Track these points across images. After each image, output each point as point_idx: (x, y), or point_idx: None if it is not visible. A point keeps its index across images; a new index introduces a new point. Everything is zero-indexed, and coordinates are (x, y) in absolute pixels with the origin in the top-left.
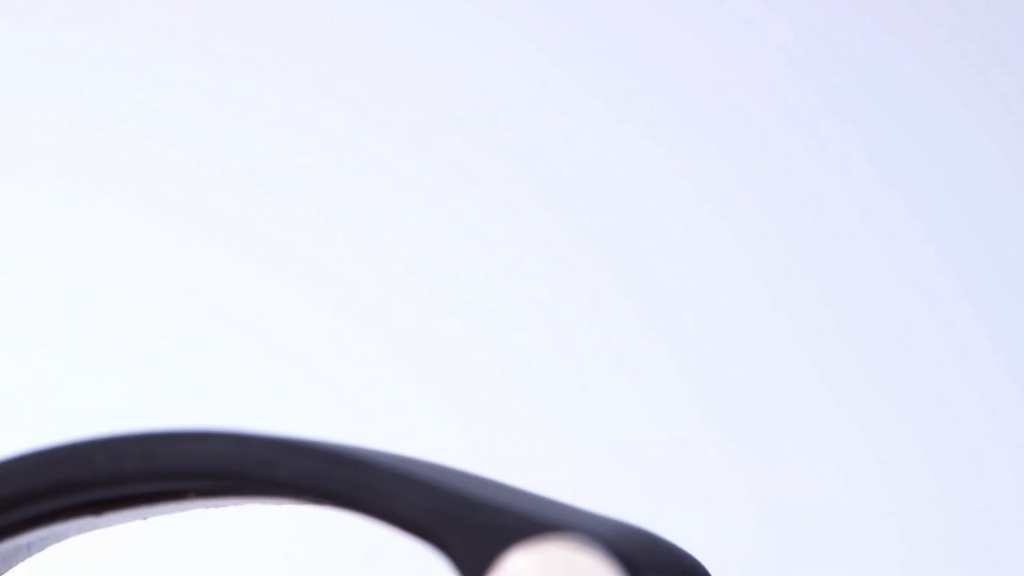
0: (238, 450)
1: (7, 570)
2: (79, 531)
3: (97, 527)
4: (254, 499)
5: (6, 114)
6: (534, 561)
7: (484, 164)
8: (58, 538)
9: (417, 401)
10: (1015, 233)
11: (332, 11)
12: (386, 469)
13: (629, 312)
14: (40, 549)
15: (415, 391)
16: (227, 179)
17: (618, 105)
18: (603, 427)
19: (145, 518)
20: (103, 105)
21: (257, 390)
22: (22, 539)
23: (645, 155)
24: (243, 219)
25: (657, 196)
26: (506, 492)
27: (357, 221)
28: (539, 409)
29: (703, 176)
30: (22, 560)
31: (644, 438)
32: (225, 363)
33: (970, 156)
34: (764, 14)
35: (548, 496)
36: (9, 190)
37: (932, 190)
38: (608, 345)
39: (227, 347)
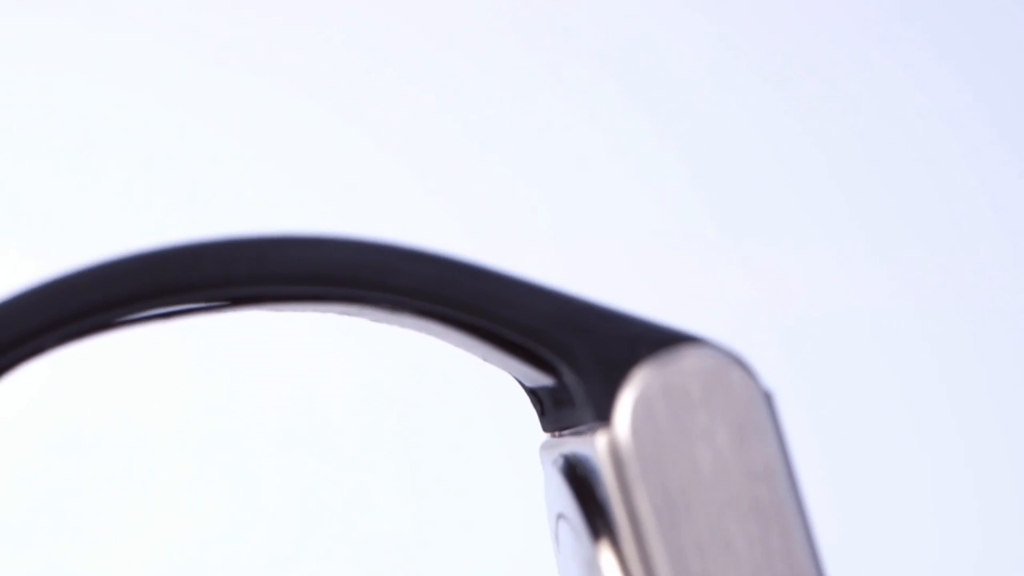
0: (357, 257)
1: None
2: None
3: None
4: (365, 308)
5: None
6: (673, 371)
7: None
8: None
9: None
10: None
11: None
12: (508, 277)
13: (639, 114)
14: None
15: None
16: None
17: None
18: (608, 224)
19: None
20: None
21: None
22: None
23: None
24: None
25: None
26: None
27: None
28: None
29: None
30: None
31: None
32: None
33: None
34: None
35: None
36: None
37: None
38: (616, 147)
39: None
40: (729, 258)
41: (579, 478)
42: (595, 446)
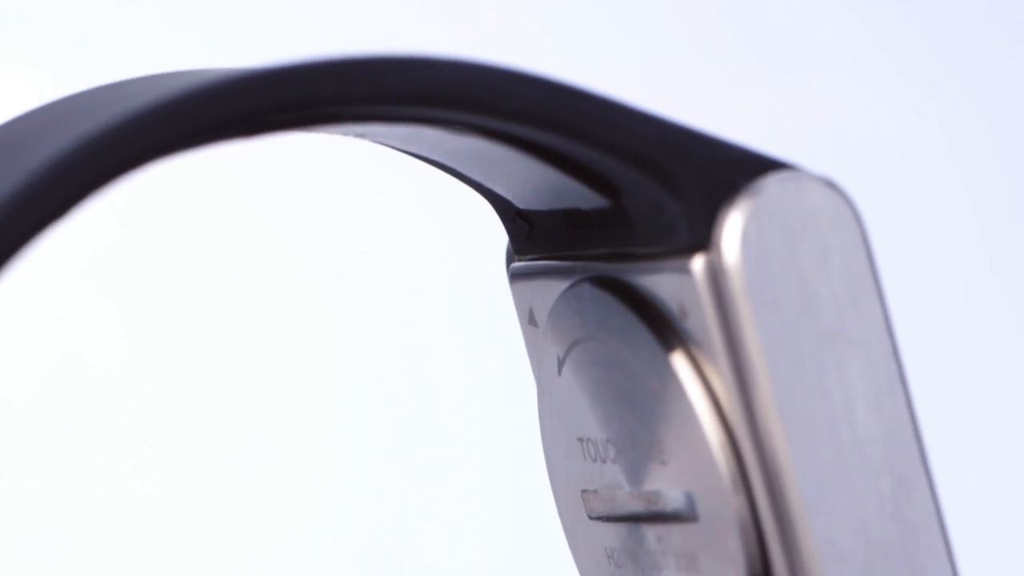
0: (469, 77)
1: None
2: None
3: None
4: (472, 128)
5: None
6: (777, 196)
7: None
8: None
9: None
10: None
11: None
12: (612, 100)
13: None
14: None
15: None
16: None
17: None
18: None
19: (362, 137)
20: None
21: None
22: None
23: None
24: None
25: None
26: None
27: None
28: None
29: None
30: None
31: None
32: None
33: None
34: None
35: None
36: None
37: None
38: None
39: None
40: (758, 89)
41: (638, 297)
42: (691, 268)
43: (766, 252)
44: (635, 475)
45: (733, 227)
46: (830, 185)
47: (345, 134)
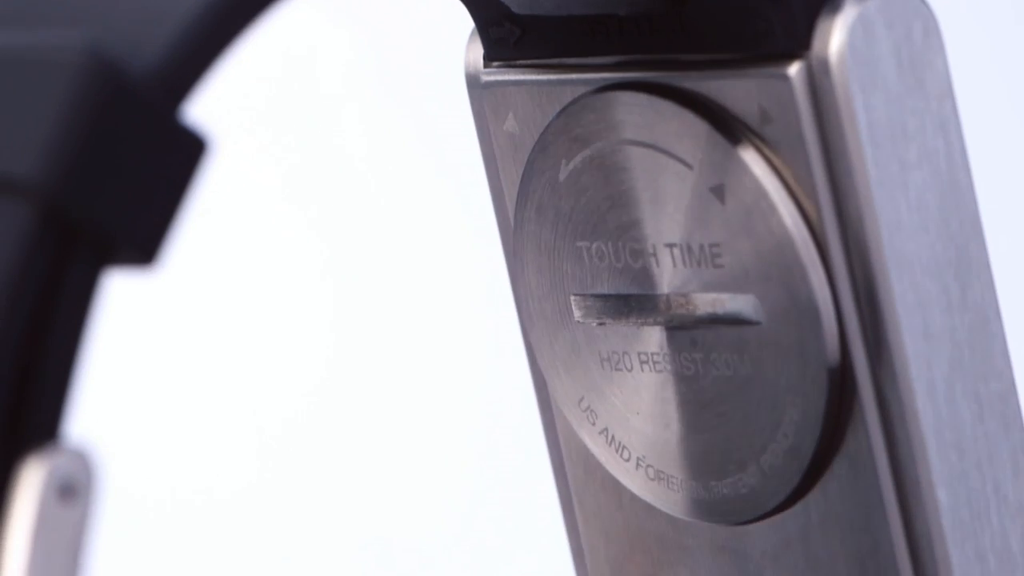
0: None
1: None
2: None
3: None
4: None
5: None
6: (871, 4)
7: None
8: None
9: None
10: None
11: None
12: None
13: None
14: None
15: None
16: None
17: None
18: None
19: None
20: None
21: None
22: None
23: None
24: None
25: None
26: None
27: None
28: None
29: None
30: None
31: None
32: None
33: None
34: None
35: None
36: None
37: None
38: None
39: None
40: None
41: (699, 101)
42: (787, 73)
43: (870, 57)
44: (677, 279)
45: (840, 32)
46: (923, 1)
47: None
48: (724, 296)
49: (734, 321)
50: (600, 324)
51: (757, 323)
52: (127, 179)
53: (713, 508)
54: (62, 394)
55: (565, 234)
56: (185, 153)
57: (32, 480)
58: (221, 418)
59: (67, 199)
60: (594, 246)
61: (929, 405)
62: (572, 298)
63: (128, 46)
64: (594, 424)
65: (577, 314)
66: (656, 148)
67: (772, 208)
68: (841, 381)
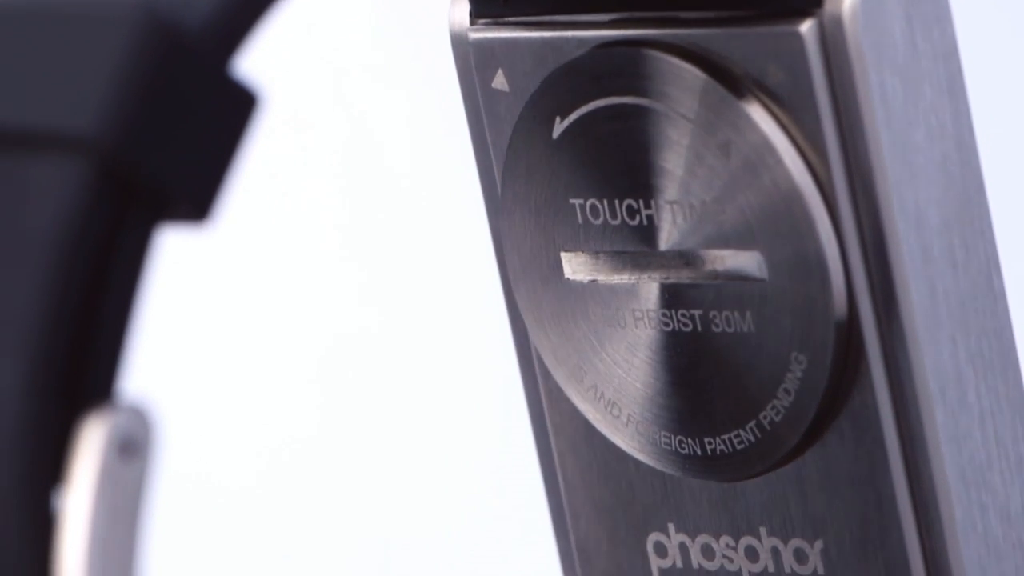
0: None
1: None
2: None
3: None
4: None
5: None
6: None
7: None
8: None
9: None
10: None
11: None
12: None
13: None
14: None
15: None
16: None
17: None
18: None
19: None
20: None
21: None
22: None
23: None
24: None
25: None
26: None
27: None
28: None
29: None
30: None
31: None
32: None
33: None
34: None
35: None
36: None
37: None
38: None
39: None
40: None
41: (700, 57)
42: (799, 30)
43: (881, 15)
44: (677, 236)
45: None
46: None
47: None
48: (727, 253)
49: (737, 278)
50: (592, 281)
51: (761, 280)
52: (182, 134)
53: (708, 465)
54: (118, 352)
55: (557, 191)
56: (237, 107)
57: (93, 438)
58: (222, 414)
59: (124, 155)
60: (588, 203)
61: (935, 361)
62: (562, 255)
63: (179, 1)
64: (582, 382)
65: (567, 271)
66: (658, 104)
67: (779, 163)
68: (848, 336)
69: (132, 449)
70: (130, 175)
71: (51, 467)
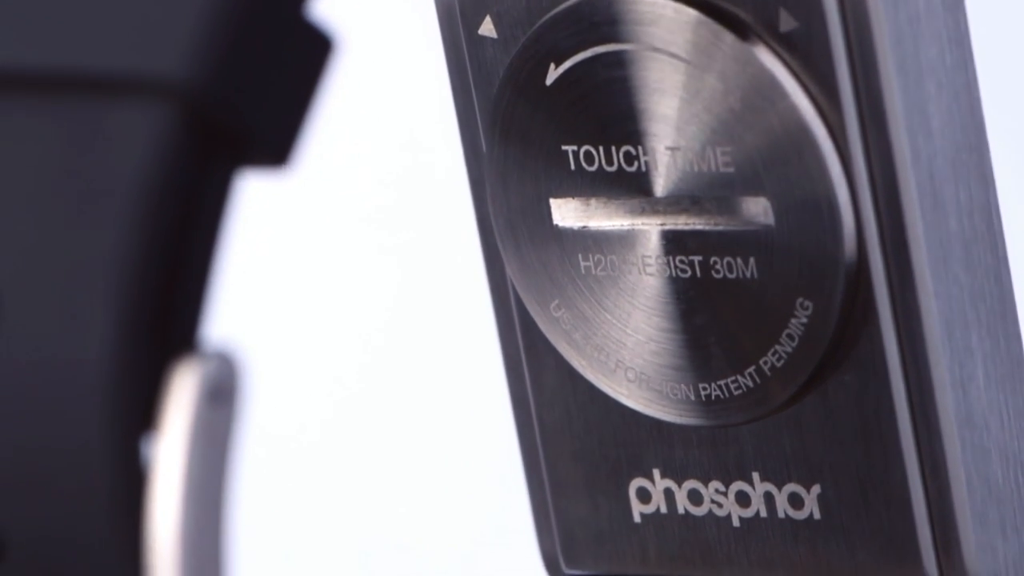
0: None
1: None
2: None
3: None
4: None
5: None
6: None
7: None
8: None
9: None
10: None
11: None
12: None
13: None
14: None
15: None
16: None
17: None
18: None
19: None
20: None
21: None
22: None
23: None
24: None
25: None
26: None
27: None
28: None
29: None
30: None
31: None
32: None
33: None
34: None
35: None
36: None
37: None
38: None
39: None
40: None
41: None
42: None
43: None
44: (678, 182)
45: None
46: None
47: None
48: (731, 198)
49: (741, 223)
50: (583, 228)
51: (767, 225)
52: (263, 78)
53: (704, 410)
54: (204, 297)
55: (548, 138)
56: (315, 51)
57: (184, 385)
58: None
59: (211, 99)
60: (583, 150)
61: (944, 306)
62: (551, 201)
63: None
64: (568, 329)
65: (556, 217)
66: (659, 52)
67: (792, 108)
68: (856, 281)
69: (222, 396)
70: (215, 120)
71: (143, 413)
